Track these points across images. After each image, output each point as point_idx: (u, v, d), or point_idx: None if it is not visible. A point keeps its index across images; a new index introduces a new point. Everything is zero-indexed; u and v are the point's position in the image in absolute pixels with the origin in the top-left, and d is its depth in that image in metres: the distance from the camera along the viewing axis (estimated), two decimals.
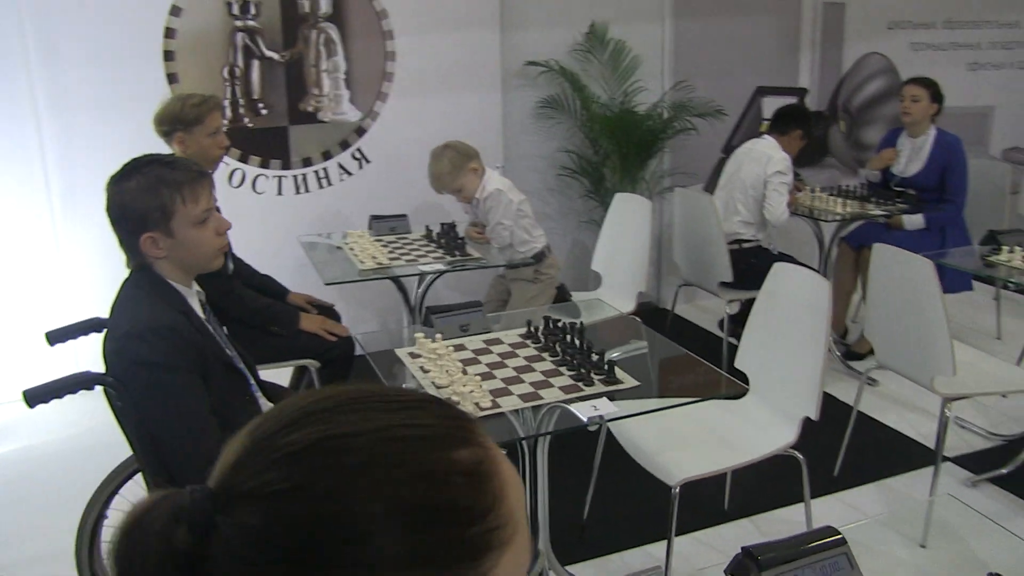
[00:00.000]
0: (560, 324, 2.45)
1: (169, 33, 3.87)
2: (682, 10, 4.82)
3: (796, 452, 2.52)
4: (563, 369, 2.26)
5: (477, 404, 2.05)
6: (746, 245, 3.93)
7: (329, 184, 4.30)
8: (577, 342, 2.33)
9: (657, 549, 2.85)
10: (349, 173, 4.34)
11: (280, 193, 4.21)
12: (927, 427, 3.59)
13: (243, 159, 4.11)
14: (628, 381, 2.19)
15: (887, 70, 5.47)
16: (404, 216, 3.78)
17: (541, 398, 2.10)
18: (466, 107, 4.45)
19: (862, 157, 5.51)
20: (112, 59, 3.80)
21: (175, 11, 3.86)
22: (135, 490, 2.23)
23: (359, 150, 4.33)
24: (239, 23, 3.99)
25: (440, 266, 3.22)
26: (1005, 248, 3.27)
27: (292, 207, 4.18)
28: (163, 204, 1.84)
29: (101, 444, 2.37)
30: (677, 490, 2.33)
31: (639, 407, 2.11)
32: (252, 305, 3.09)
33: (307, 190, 4.25)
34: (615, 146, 4.42)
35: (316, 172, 4.26)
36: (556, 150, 4.69)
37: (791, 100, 5.20)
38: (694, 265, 4.02)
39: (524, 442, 2.22)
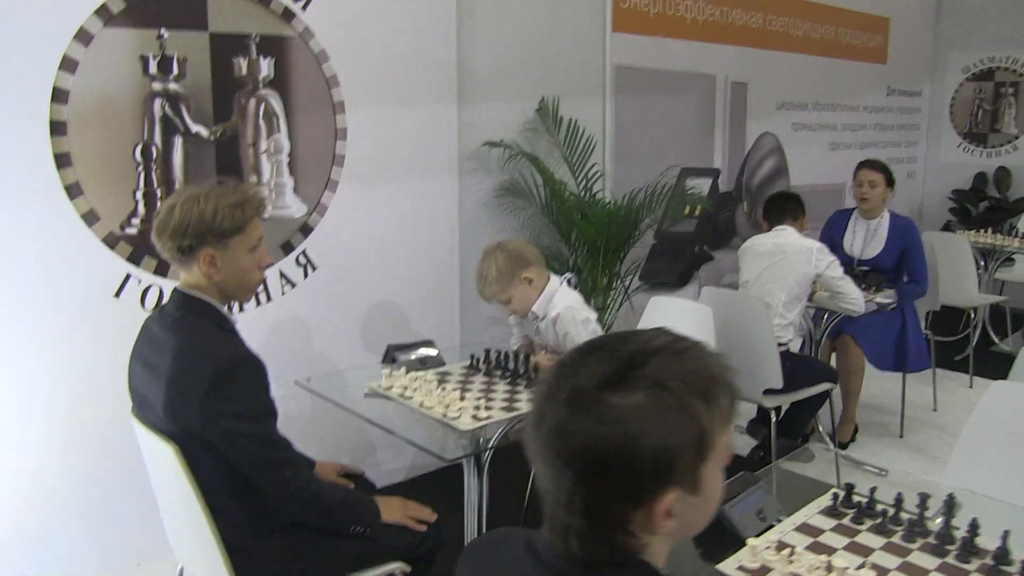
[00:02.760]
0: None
1: (59, 96, 2.67)
2: (622, 88, 4.40)
3: None
4: None
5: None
6: (781, 348, 3.52)
7: (269, 300, 3.23)
8: None
9: None
10: (293, 284, 3.31)
11: None
12: None
13: (160, 271, 2.94)
14: None
15: (777, 149, 5.47)
16: (430, 342, 2.89)
17: None
18: (421, 196, 3.63)
19: None
20: None
21: (68, 64, 2.67)
22: None
23: (304, 254, 3.32)
24: (157, 86, 2.87)
25: None
26: None
27: None
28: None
29: None
30: None
31: None
32: (327, 501, 2.07)
33: (240, 310, 3.15)
34: (591, 239, 3.83)
35: None
36: None
37: (708, 180, 4.99)
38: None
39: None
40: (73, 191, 2.73)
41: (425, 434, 2.39)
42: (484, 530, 2.65)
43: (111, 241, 2.84)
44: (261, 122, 3.14)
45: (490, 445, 2.33)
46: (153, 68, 2.86)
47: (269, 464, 1.95)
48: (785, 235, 3.66)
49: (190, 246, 1.98)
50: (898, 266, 4.30)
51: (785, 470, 2.32)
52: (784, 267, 3.56)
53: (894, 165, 6.62)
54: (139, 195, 2.88)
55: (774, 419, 3.49)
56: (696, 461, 0.97)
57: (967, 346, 5.31)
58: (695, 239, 4.95)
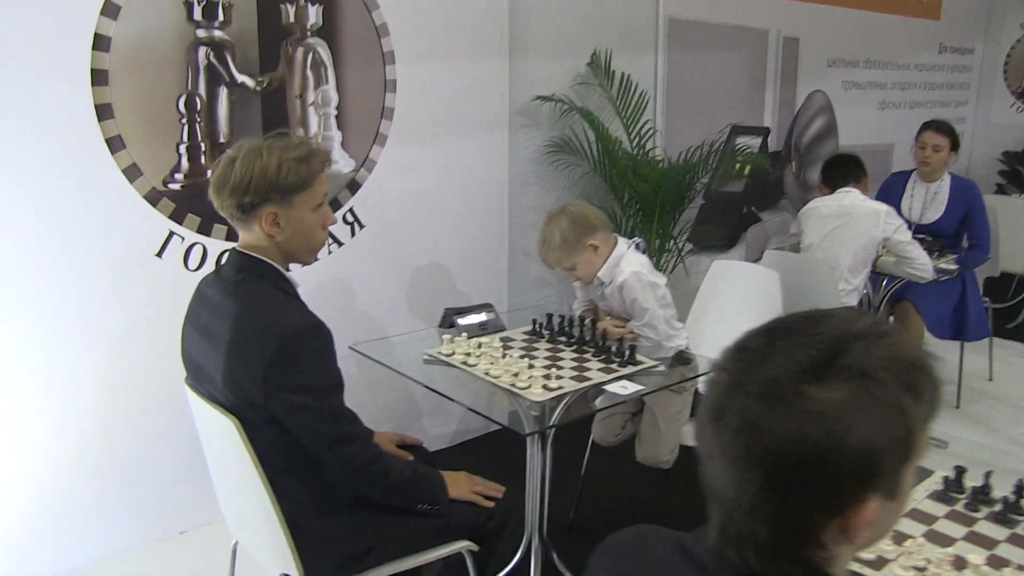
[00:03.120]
0: None
1: (100, 43, 2.52)
2: (674, 42, 4.20)
3: None
4: None
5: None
6: None
7: (315, 259, 3.09)
8: None
9: None
10: (340, 243, 3.17)
11: None
12: None
13: (203, 229, 2.81)
14: None
15: (826, 107, 5.26)
16: (489, 306, 2.75)
17: None
18: (470, 151, 3.47)
19: (809, 198, 5.24)
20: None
21: (110, 10, 2.52)
22: None
23: (352, 212, 3.18)
24: (202, 33, 2.71)
25: (635, 386, 2.26)
26: None
27: None
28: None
29: None
30: None
31: None
32: (395, 477, 1.95)
33: (287, 269, 3.01)
34: (646, 199, 3.66)
35: None
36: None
37: (758, 139, 4.80)
38: None
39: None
40: (115, 144, 2.59)
41: (477, 401, 2.27)
42: (547, 504, 2.54)
43: (153, 197, 2.70)
44: (309, 72, 2.98)
45: (554, 421, 2.20)
46: (198, 14, 2.69)
47: (335, 440, 1.83)
48: (851, 197, 3.49)
49: (252, 203, 1.85)
50: (958, 231, 4.13)
51: None
52: (850, 230, 3.40)
53: None
54: (183, 149, 2.73)
55: None
56: (900, 463, 0.84)
57: (1019, 313, 5.14)
58: (743, 200, 4.78)
